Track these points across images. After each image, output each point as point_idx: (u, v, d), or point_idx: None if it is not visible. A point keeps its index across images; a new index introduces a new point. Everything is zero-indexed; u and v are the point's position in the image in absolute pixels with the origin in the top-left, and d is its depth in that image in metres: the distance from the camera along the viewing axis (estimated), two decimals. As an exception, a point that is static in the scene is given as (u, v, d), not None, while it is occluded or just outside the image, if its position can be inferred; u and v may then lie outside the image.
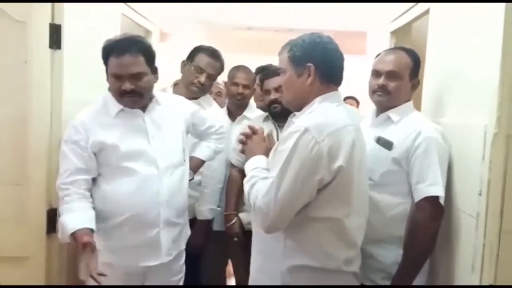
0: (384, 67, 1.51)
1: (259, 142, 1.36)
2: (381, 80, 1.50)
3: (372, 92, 1.55)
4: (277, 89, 1.91)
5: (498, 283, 1.18)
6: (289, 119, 1.95)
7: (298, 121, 1.21)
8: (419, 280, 1.43)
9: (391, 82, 1.50)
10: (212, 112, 1.98)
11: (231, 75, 2.28)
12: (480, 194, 1.23)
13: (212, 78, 1.99)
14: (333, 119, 1.19)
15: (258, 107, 2.42)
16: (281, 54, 1.31)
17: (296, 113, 1.33)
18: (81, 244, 1.31)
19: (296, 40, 1.28)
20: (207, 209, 2.01)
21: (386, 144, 1.46)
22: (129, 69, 1.42)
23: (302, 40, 1.26)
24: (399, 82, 1.50)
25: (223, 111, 2.22)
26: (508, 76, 1.17)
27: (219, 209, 2.09)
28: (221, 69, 2.03)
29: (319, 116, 1.19)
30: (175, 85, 2.12)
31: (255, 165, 1.28)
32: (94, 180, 1.50)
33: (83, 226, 1.37)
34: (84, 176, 1.46)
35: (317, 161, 1.13)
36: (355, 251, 1.26)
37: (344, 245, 1.23)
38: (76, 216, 1.39)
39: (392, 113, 1.52)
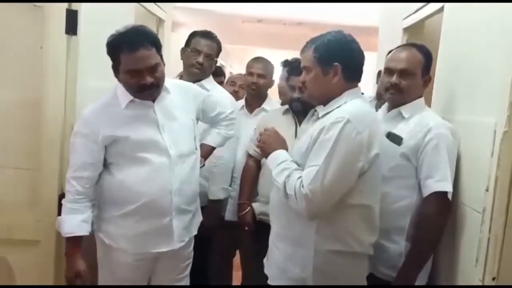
0: (397, 65, 1.53)
1: (277, 137, 1.43)
2: (393, 79, 1.52)
3: (385, 89, 1.57)
4: (301, 88, 1.92)
5: (501, 277, 1.21)
6: (309, 113, 1.97)
7: (335, 113, 1.27)
8: (422, 271, 1.46)
9: (404, 80, 1.51)
10: (217, 94, 1.99)
11: (247, 66, 2.32)
12: (487, 190, 1.25)
13: (210, 57, 2.04)
14: (366, 111, 1.30)
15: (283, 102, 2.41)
16: (304, 52, 1.36)
17: (320, 107, 1.39)
18: (74, 272, 1.46)
19: (321, 39, 1.32)
20: (218, 189, 2.03)
21: (395, 139, 1.48)
22: (147, 62, 1.40)
23: (328, 39, 1.31)
24: (412, 80, 1.52)
25: (228, 96, 2.17)
26: (520, 76, 1.18)
27: (230, 188, 2.10)
28: (218, 49, 2.08)
29: (355, 108, 1.28)
30: (180, 77, 2.14)
31: (282, 159, 1.33)
32: (106, 168, 1.51)
33: (76, 232, 1.45)
34: (90, 172, 1.47)
35: (359, 150, 1.22)
36: (376, 236, 1.37)
37: (371, 231, 1.33)
38: (74, 219, 1.45)
39: (404, 110, 1.54)
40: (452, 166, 1.43)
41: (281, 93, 2.41)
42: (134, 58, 1.38)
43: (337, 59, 1.29)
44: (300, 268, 1.31)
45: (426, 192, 1.42)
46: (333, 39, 1.31)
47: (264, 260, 1.49)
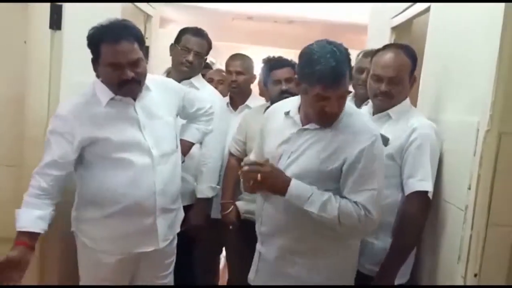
0: (386, 74, 1.51)
1: (276, 169, 1.30)
2: (383, 87, 1.52)
3: (374, 95, 1.57)
4: (288, 80, 1.91)
5: (483, 274, 1.23)
6: None
7: (352, 124, 1.31)
8: (405, 267, 1.48)
9: (394, 87, 1.52)
10: (205, 92, 1.98)
11: (226, 65, 2.31)
12: (469, 188, 1.27)
13: (200, 56, 2.02)
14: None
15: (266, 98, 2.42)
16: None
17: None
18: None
19: (336, 53, 1.22)
20: (206, 187, 2.02)
21: (382, 140, 1.49)
22: (129, 56, 1.36)
23: (340, 52, 1.23)
24: (401, 85, 1.53)
25: (217, 94, 2.18)
26: (502, 76, 1.20)
27: (219, 187, 2.11)
28: (208, 47, 2.06)
29: (368, 119, 1.41)
30: (168, 73, 2.13)
31: (308, 190, 1.27)
32: (86, 168, 1.46)
33: (29, 228, 1.36)
34: (57, 172, 1.41)
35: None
36: None
37: None
38: (30, 214, 1.37)
39: (392, 112, 1.55)
40: (434, 166, 1.46)
41: (261, 91, 2.42)
42: (115, 51, 1.35)
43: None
44: (325, 276, 1.35)
45: (407, 191, 1.45)
46: (345, 51, 1.27)
47: (251, 276, 1.47)
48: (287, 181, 1.27)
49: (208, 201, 2.07)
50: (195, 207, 1.97)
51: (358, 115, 1.37)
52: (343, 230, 1.29)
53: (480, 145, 1.24)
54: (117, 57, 1.36)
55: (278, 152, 1.36)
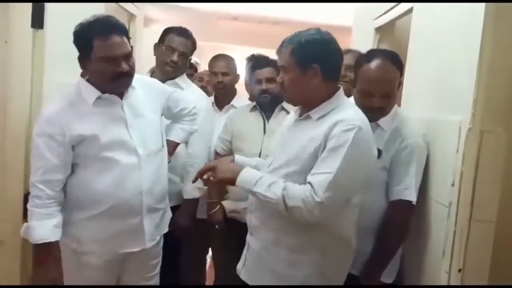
0: (378, 91, 1.47)
1: (227, 161, 1.44)
2: (377, 103, 1.47)
3: (367, 110, 1.38)
4: (269, 80, 1.92)
5: (467, 268, 1.25)
6: (276, 109, 1.98)
7: (334, 117, 1.25)
8: (391, 268, 1.50)
9: (386, 101, 1.49)
10: (190, 92, 1.97)
11: (209, 66, 2.30)
12: (452, 185, 1.30)
13: (184, 56, 2.00)
14: (364, 116, 1.30)
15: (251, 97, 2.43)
16: (281, 51, 1.32)
17: (310, 109, 1.33)
18: (49, 281, 1.38)
19: (298, 38, 1.28)
20: (193, 188, 2.00)
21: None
22: (123, 49, 1.37)
23: (306, 40, 1.27)
24: (393, 97, 1.52)
25: (202, 94, 2.17)
26: (483, 76, 1.23)
27: (205, 188, 2.10)
28: (193, 47, 2.04)
29: (360, 114, 1.28)
30: (152, 72, 2.11)
31: (257, 175, 1.28)
32: (72, 170, 1.44)
33: (49, 238, 1.37)
34: (60, 175, 1.40)
35: (370, 156, 1.28)
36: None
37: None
38: (45, 225, 1.37)
39: (382, 123, 1.53)
40: (419, 174, 1.49)
41: (247, 89, 2.42)
42: (109, 44, 1.34)
43: (316, 60, 1.26)
44: (305, 273, 1.30)
45: (392, 198, 1.48)
46: (311, 39, 1.27)
47: (239, 266, 1.45)
48: (236, 171, 1.32)
49: (195, 201, 2.06)
50: (182, 208, 1.96)
51: (349, 107, 1.31)
52: (290, 212, 1.23)
53: (463, 143, 1.27)
54: (111, 50, 1.35)
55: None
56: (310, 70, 1.27)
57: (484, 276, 1.26)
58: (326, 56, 1.28)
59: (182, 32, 2.00)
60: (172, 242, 1.78)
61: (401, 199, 1.45)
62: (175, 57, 1.96)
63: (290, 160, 1.29)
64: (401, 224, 1.47)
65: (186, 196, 1.99)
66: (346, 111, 1.27)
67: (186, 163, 1.98)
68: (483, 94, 1.24)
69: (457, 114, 1.32)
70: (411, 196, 1.45)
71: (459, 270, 1.26)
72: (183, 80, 2.04)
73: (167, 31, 2.02)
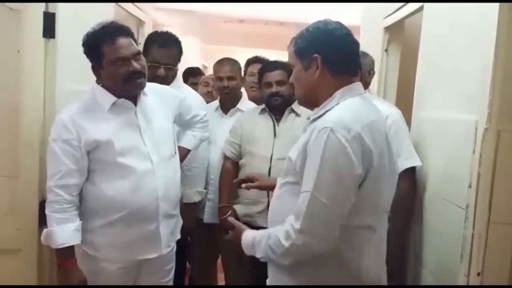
0: None
1: (234, 233, 1.29)
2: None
3: None
4: (279, 82, 1.91)
5: (486, 272, 1.23)
6: (286, 111, 1.96)
7: (323, 119, 1.07)
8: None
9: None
10: (190, 98, 1.92)
11: (214, 70, 2.27)
12: (470, 187, 1.28)
13: (171, 67, 1.92)
14: (361, 112, 1.07)
15: (251, 98, 2.42)
16: (289, 49, 1.20)
17: (311, 109, 1.22)
18: (78, 282, 1.41)
19: (301, 31, 1.17)
20: (193, 192, 2.01)
21: None
22: (132, 48, 1.40)
23: (306, 30, 1.15)
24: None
25: (200, 99, 2.12)
26: (500, 74, 1.21)
27: (205, 191, 2.08)
28: (178, 53, 1.95)
29: (344, 111, 1.06)
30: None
31: (250, 240, 1.18)
32: (89, 177, 1.45)
33: (71, 242, 1.39)
34: (77, 179, 1.41)
35: (350, 162, 1.00)
36: (385, 267, 1.22)
37: (378, 258, 1.18)
38: (66, 229, 1.38)
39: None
40: (410, 142, 1.65)
41: (249, 89, 2.43)
42: (117, 46, 1.37)
43: (315, 49, 1.10)
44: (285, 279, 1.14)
45: (398, 171, 1.41)
46: (311, 29, 1.13)
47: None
48: (240, 237, 1.23)
49: (194, 205, 2.05)
50: (183, 211, 1.94)
51: (351, 106, 1.09)
52: (288, 256, 1.07)
53: (479, 143, 1.24)
54: (120, 52, 1.38)
55: None
56: (312, 62, 1.11)
57: (504, 279, 1.23)
58: (328, 44, 1.10)
59: (164, 42, 1.89)
60: (178, 246, 1.77)
61: (407, 167, 1.57)
62: (161, 72, 1.88)
63: (284, 170, 1.18)
64: (412, 192, 1.60)
65: (186, 201, 1.98)
66: (334, 111, 1.07)
67: (184, 167, 1.96)
68: (499, 93, 1.21)
69: (473, 114, 1.30)
70: (415, 162, 1.59)
71: (478, 274, 1.23)
72: (179, 86, 1.98)
73: (149, 42, 1.92)
